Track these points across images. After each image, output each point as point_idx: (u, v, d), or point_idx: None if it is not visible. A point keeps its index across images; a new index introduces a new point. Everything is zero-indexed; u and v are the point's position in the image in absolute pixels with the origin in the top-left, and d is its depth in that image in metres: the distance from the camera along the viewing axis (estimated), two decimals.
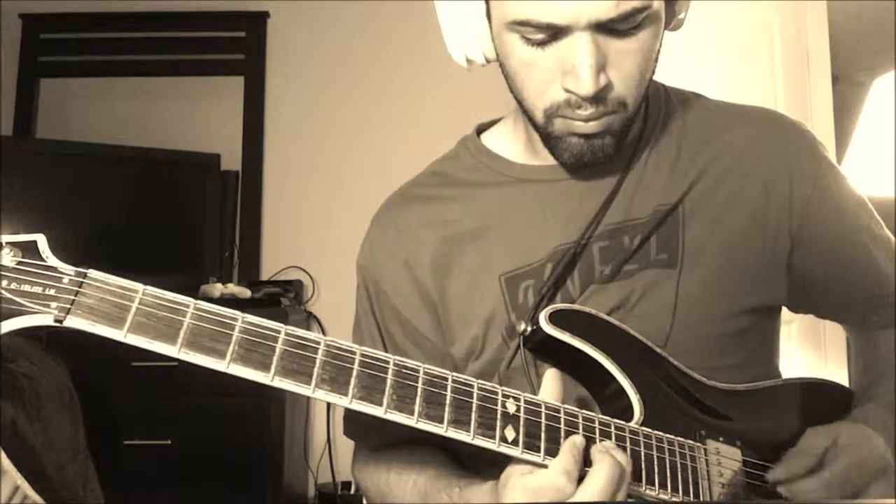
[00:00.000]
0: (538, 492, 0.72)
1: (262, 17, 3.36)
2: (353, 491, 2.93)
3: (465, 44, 0.94)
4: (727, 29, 2.65)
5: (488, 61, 0.94)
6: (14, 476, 1.44)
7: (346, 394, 0.69)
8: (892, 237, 1.03)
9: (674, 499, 0.80)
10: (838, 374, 2.50)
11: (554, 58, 0.83)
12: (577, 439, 0.76)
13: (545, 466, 0.74)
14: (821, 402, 0.99)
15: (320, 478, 3.07)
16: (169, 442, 2.55)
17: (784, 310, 1.06)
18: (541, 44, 0.82)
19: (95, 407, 2.28)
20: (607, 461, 0.73)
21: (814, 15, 2.74)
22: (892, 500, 0.84)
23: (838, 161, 2.48)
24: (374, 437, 1.04)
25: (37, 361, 2.00)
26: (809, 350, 2.57)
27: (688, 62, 2.29)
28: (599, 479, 0.72)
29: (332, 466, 3.03)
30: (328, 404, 2.98)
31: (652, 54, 0.86)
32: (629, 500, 0.76)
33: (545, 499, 0.71)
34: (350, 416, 1.04)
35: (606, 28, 0.80)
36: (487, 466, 0.81)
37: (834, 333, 2.53)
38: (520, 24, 0.82)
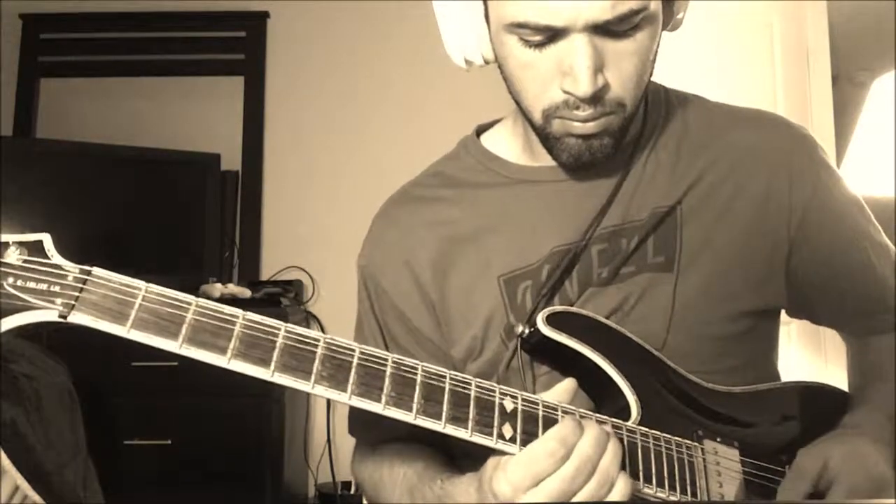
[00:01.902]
0: (532, 461, 0.72)
1: (262, 17, 3.37)
2: (353, 491, 2.93)
3: (463, 45, 0.94)
4: (727, 29, 2.65)
5: (487, 62, 0.95)
6: (14, 476, 1.44)
7: (345, 390, 0.70)
8: (889, 243, 1.03)
9: (671, 497, 0.81)
10: (838, 375, 2.47)
11: (552, 59, 0.83)
12: (574, 416, 0.76)
13: None
14: (819, 405, 0.99)
15: (320, 478, 3.08)
16: (169, 442, 2.56)
17: (783, 311, 1.06)
18: (538, 45, 0.83)
19: (95, 407, 2.29)
20: (592, 425, 0.74)
21: (814, 15, 2.74)
22: (892, 501, 0.85)
23: (838, 161, 2.49)
24: (377, 435, 1.05)
25: (37, 361, 2.00)
26: (809, 352, 2.57)
27: (688, 62, 2.29)
28: (586, 440, 0.73)
29: (332, 466, 3.03)
30: (328, 405, 2.98)
31: (650, 55, 0.86)
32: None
33: (541, 464, 0.71)
34: (354, 414, 1.06)
35: (604, 29, 0.80)
36: (480, 465, 0.82)
37: (834, 335, 2.51)
38: (517, 27, 0.82)
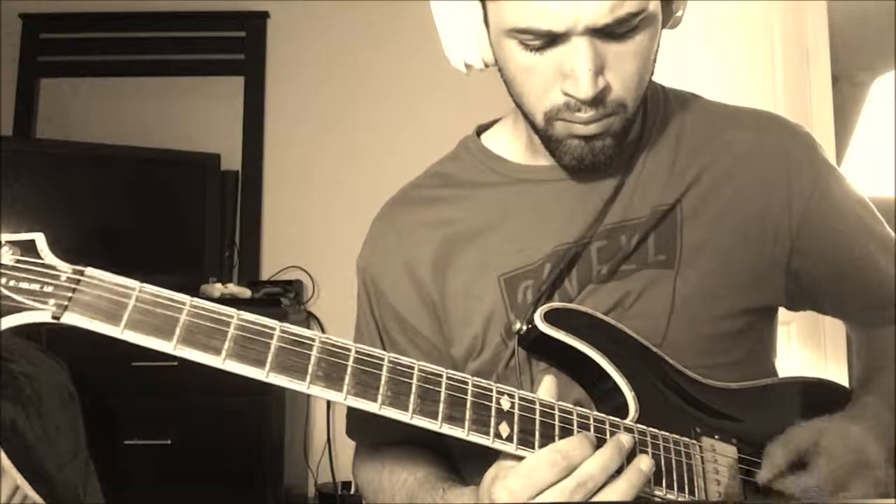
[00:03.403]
0: (533, 470, 0.72)
1: (262, 17, 3.37)
2: (353, 491, 2.93)
3: (463, 49, 0.94)
4: (727, 29, 2.65)
5: (487, 66, 0.95)
6: (14, 476, 1.43)
7: (340, 390, 0.70)
8: (894, 235, 1.03)
9: (668, 496, 0.80)
10: (838, 374, 2.50)
11: (552, 63, 0.83)
12: (590, 435, 0.77)
13: None
14: (817, 401, 0.98)
15: (320, 478, 3.08)
16: (169, 442, 2.56)
17: (784, 310, 1.06)
18: (539, 49, 0.83)
19: (95, 407, 2.28)
20: (609, 447, 0.74)
21: (814, 15, 2.74)
22: (893, 501, 0.84)
23: (838, 161, 2.49)
24: (374, 436, 1.05)
25: (36, 361, 2.01)
26: (809, 350, 2.57)
27: (688, 62, 2.29)
28: (594, 461, 0.73)
29: (332, 466, 3.04)
30: (328, 404, 2.98)
31: (650, 55, 0.87)
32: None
33: (541, 474, 0.72)
34: (352, 415, 1.05)
35: (604, 32, 0.81)
36: (479, 465, 0.82)
37: (834, 333, 2.53)
38: (518, 32, 0.82)
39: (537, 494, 0.72)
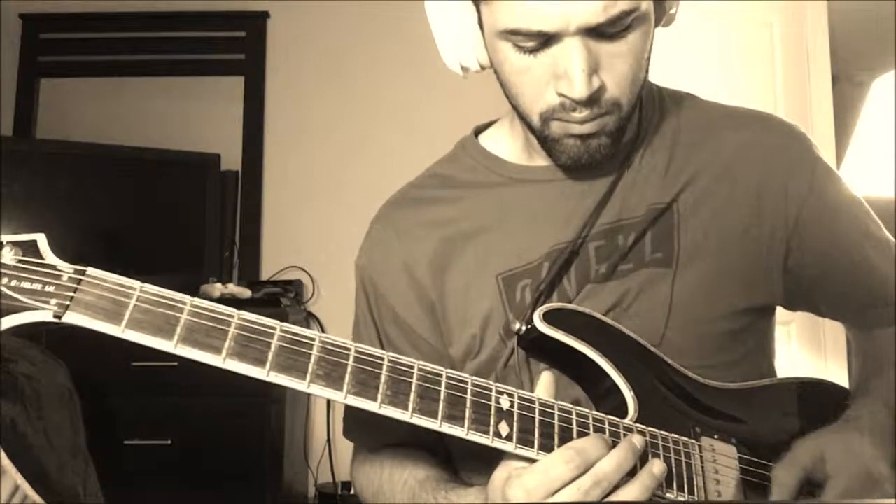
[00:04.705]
0: (549, 467, 0.73)
1: (262, 17, 3.37)
2: (352, 491, 2.92)
3: (459, 52, 0.95)
4: (727, 29, 2.65)
5: (483, 68, 0.95)
6: (14, 476, 1.43)
7: (340, 389, 0.70)
8: (890, 237, 1.03)
9: (668, 495, 0.81)
10: (838, 374, 2.50)
11: (546, 64, 0.84)
12: (604, 436, 0.77)
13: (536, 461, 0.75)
14: (816, 401, 0.99)
15: (320, 478, 3.08)
16: (169, 442, 2.55)
17: (783, 310, 1.06)
18: (532, 51, 0.83)
19: (95, 407, 2.28)
20: (623, 448, 0.75)
21: (814, 15, 2.74)
22: (892, 501, 0.84)
23: (838, 161, 2.50)
24: (372, 438, 1.05)
25: (37, 361, 2.00)
26: (809, 350, 2.56)
27: (688, 62, 2.29)
28: (608, 460, 0.74)
29: (332, 466, 3.04)
30: (328, 404, 2.98)
31: (643, 54, 0.87)
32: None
33: (557, 471, 0.72)
34: (349, 416, 1.05)
35: (596, 32, 0.81)
36: (479, 466, 0.82)
37: (834, 333, 2.53)
38: (511, 33, 0.83)
39: (554, 492, 0.72)
